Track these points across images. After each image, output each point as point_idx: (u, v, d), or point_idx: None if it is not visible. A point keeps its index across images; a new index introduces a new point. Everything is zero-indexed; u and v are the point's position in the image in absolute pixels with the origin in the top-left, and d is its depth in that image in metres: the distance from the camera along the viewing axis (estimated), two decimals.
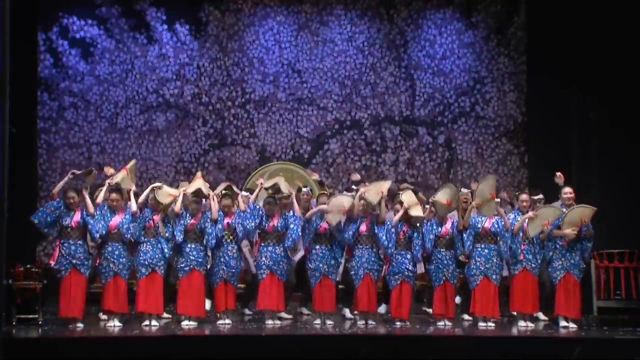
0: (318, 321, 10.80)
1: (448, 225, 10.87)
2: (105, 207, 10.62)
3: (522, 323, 10.68)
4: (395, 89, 14.68)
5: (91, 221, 10.45)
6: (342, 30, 14.66)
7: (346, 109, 14.67)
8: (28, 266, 10.97)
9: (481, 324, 10.66)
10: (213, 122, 14.59)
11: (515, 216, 10.84)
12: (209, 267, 10.86)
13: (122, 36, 14.49)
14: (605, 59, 12.92)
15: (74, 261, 10.40)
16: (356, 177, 12.38)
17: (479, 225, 10.73)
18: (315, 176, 12.65)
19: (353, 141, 14.65)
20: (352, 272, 10.90)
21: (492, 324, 10.64)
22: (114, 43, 14.47)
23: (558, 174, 11.63)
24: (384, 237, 10.64)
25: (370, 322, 10.79)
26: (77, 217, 10.57)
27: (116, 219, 10.57)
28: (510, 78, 14.64)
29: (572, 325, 10.59)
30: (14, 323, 10.54)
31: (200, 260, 10.74)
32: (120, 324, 10.56)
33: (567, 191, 10.94)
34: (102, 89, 14.46)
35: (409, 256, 10.79)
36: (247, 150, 14.60)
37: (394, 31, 14.67)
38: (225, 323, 10.75)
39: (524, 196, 10.95)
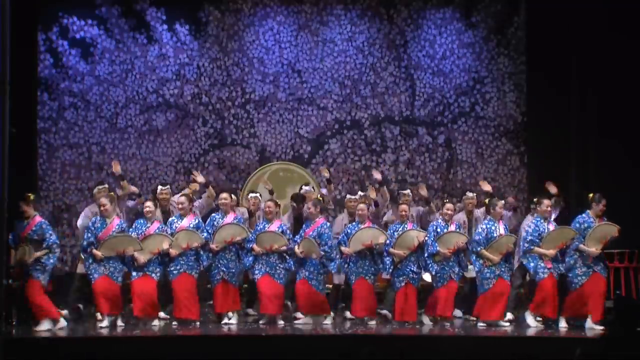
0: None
1: (452, 227, 10.92)
2: (98, 220, 10.73)
3: (532, 323, 10.67)
4: (395, 89, 14.67)
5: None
6: (342, 30, 14.65)
7: (346, 109, 14.66)
8: None
9: (482, 325, 10.67)
10: (213, 122, 14.58)
11: (537, 222, 10.82)
12: (200, 269, 10.92)
13: (122, 36, 14.48)
14: (605, 58, 12.93)
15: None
16: (378, 175, 12.37)
17: (495, 235, 10.73)
18: (326, 173, 12.59)
19: (353, 141, 14.64)
20: (348, 275, 10.98)
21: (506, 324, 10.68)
22: (114, 43, 14.46)
23: (549, 183, 11.60)
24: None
25: (370, 324, 10.83)
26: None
27: (108, 230, 10.68)
28: (510, 78, 14.62)
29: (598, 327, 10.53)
30: (14, 323, 10.55)
31: (190, 264, 10.76)
32: (123, 324, 10.59)
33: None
34: (102, 89, 14.45)
35: (413, 258, 10.81)
36: (247, 150, 14.59)
37: (394, 31, 14.66)
38: (228, 323, 10.77)
39: (547, 201, 10.91)
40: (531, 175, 14.24)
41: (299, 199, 11.89)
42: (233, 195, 11.73)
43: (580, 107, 13.57)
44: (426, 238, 10.82)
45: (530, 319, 10.69)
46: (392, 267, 10.81)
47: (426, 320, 10.93)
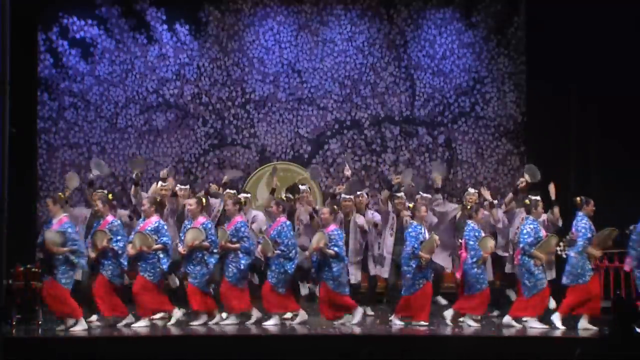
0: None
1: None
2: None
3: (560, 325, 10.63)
4: (395, 89, 14.67)
5: None
6: (342, 30, 14.65)
7: (346, 109, 14.66)
8: (28, 266, 10.97)
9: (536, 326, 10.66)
10: (213, 122, 14.58)
11: (587, 220, 10.80)
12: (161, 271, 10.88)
13: (122, 36, 14.48)
14: (605, 58, 12.93)
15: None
16: (348, 172, 12.36)
17: (541, 234, 10.73)
18: (348, 172, 12.51)
19: (353, 141, 14.64)
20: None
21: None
22: (114, 43, 14.47)
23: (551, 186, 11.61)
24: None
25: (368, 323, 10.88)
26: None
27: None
28: (510, 78, 14.62)
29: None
30: (14, 323, 10.54)
31: (144, 266, 10.73)
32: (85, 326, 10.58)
33: None
34: (102, 89, 14.46)
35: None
36: (247, 150, 14.60)
37: (394, 31, 14.66)
38: (199, 324, 10.72)
39: (592, 201, 10.91)
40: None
41: (295, 190, 11.91)
42: (210, 197, 11.68)
43: (580, 107, 13.57)
44: (471, 243, 10.83)
45: (558, 322, 10.61)
46: (414, 270, 10.80)
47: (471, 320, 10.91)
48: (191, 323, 10.78)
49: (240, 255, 10.85)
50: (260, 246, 10.91)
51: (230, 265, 10.86)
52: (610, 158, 12.96)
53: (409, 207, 11.21)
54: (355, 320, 10.89)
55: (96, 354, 9.60)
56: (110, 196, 11.29)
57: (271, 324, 10.77)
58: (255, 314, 10.99)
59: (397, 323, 10.85)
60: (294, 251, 10.92)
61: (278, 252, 10.82)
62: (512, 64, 14.61)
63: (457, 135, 14.63)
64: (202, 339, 10.16)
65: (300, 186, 12.32)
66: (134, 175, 11.94)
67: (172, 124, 14.54)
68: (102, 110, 14.47)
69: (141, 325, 10.61)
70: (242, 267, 10.85)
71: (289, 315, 11.08)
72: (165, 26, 14.53)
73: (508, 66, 14.62)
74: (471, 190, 11.86)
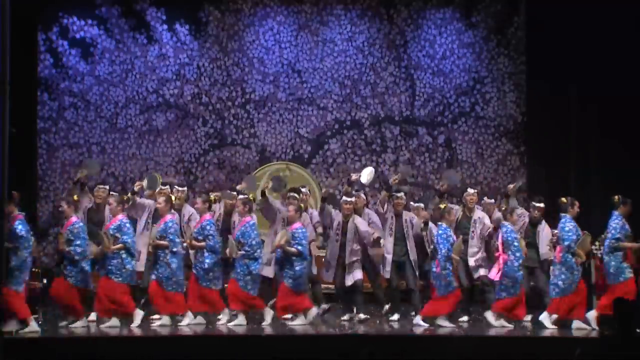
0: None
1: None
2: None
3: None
4: (395, 89, 14.67)
5: None
6: (342, 30, 14.66)
7: (346, 109, 14.66)
8: None
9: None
10: (213, 122, 14.59)
11: (622, 220, 10.75)
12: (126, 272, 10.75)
13: (122, 36, 14.49)
14: (605, 58, 12.94)
15: None
16: (356, 176, 12.30)
17: (579, 232, 10.71)
18: (356, 176, 12.44)
19: (353, 141, 14.64)
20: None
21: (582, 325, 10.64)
22: (114, 43, 14.48)
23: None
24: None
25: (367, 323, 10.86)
26: None
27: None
28: (510, 78, 14.62)
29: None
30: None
31: (110, 267, 10.58)
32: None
33: None
34: (102, 89, 14.47)
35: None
36: (247, 150, 14.60)
37: (394, 31, 14.67)
38: (187, 324, 10.71)
39: (630, 201, 10.88)
40: (531, 175, 14.24)
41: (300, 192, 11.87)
42: (178, 196, 11.58)
43: (580, 107, 13.58)
44: (516, 244, 10.80)
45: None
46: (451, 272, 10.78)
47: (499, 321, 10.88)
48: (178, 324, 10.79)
49: (206, 254, 10.81)
50: (228, 247, 10.91)
51: (197, 267, 10.86)
52: (610, 158, 12.96)
53: (440, 207, 11.12)
54: (306, 321, 10.84)
55: (96, 354, 9.59)
56: (75, 197, 11.18)
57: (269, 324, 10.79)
58: (224, 315, 10.95)
59: (421, 324, 10.81)
60: (258, 251, 10.89)
61: (242, 252, 10.79)
62: (512, 64, 14.61)
63: (457, 135, 14.64)
64: (202, 339, 10.17)
65: (302, 189, 12.27)
66: (135, 187, 11.81)
67: (172, 124, 14.55)
68: (102, 110, 14.47)
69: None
70: (206, 266, 10.81)
71: (288, 315, 11.08)
72: (165, 26, 14.54)
73: (508, 66, 14.62)
74: (470, 190, 11.82)
